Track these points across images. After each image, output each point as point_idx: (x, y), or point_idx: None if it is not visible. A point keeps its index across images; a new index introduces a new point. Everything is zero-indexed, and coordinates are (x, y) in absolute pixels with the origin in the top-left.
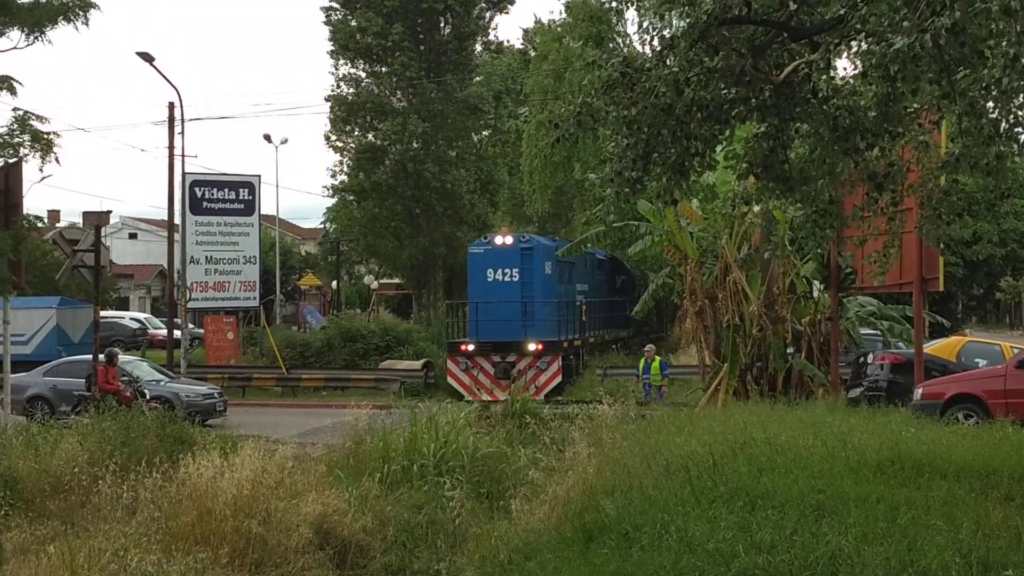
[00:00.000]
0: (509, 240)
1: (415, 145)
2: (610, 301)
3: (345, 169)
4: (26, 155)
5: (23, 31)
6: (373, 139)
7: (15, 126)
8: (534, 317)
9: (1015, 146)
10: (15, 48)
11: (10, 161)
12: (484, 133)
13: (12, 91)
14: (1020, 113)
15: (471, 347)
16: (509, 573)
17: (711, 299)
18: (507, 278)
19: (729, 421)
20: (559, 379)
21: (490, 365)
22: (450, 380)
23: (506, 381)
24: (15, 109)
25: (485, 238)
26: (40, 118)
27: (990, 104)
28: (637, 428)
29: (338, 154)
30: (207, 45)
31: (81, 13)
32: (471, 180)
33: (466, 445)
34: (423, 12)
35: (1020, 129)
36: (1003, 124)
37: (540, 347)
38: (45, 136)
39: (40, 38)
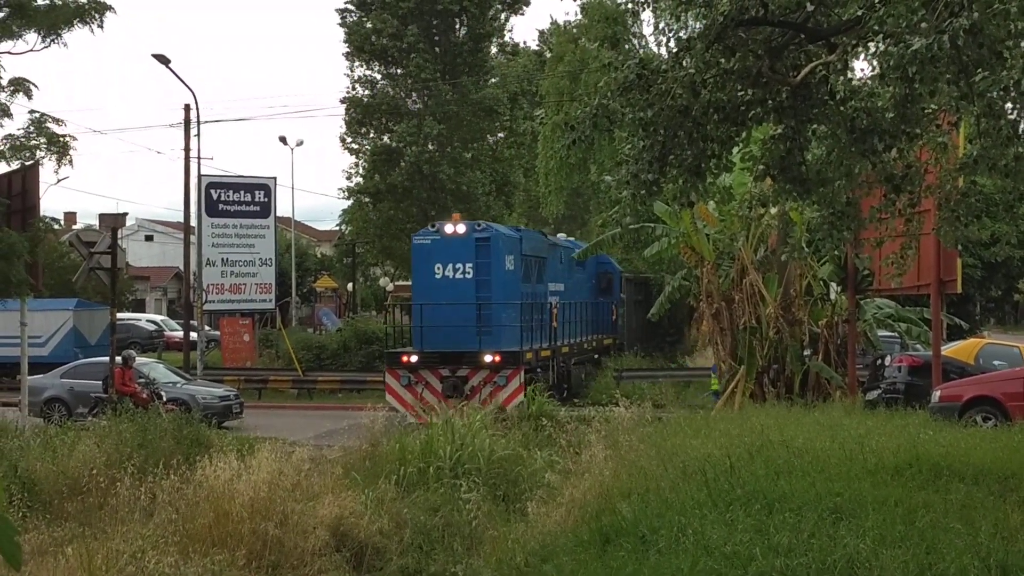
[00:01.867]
0: (462, 228)
1: (430, 147)
2: (594, 303)
3: (360, 171)
4: (42, 158)
5: (39, 34)
6: (388, 141)
7: (31, 129)
8: (491, 322)
9: None
10: (31, 51)
11: (27, 164)
12: (500, 135)
13: (28, 94)
14: None
15: (414, 358)
16: (527, 575)
17: (728, 301)
18: (459, 274)
19: (746, 424)
20: (521, 396)
21: (437, 380)
22: (388, 398)
23: (457, 399)
24: (31, 112)
25: (433, 226)
26: (56, 120)
27: (1009, 105)
28: (653, 431)
29: (353, 156)
30: (223, 48)
31: (96, 16)
32: (487, 182)
33: (482, 447)
34: (438, 14)
35: None
36: (1022, 125)
37: (498, 359)
38: (61, 139)
39: (56, 41)
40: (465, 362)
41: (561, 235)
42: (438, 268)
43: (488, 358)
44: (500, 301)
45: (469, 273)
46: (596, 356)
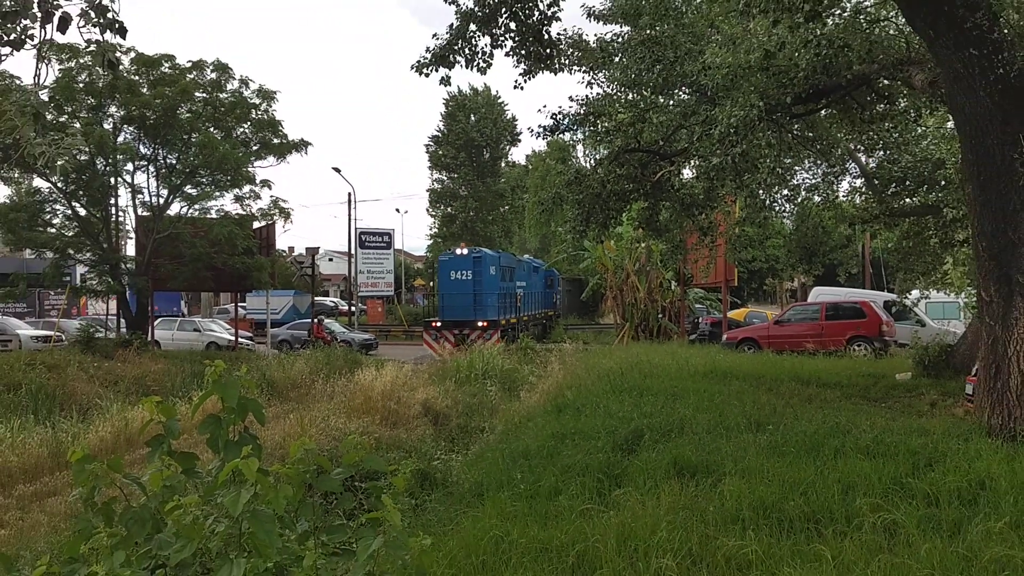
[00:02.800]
0: (465, 251)
1: (471, 214)
2: (544, 292)
3: (436, 225)
4: (276, 220)
5: (276, 157)
6: (451, 211)
7: (272, 206)
8: (482, 304)
9: (772, 212)
10: (271, 166)
11: (269, 223)
12: (506, 207)
13: (269, 187)
14: (776, 197)
15: (439, 324)
16: (520, 426)
17: (620, 290)
18: (464, 277)
19: (629, 352)
20: (500, 344)
21: (451, 336)
22: (425, 345)
23: (462, 346)
24: (271, 196)
25: (450, 251)
26: (284, 201)
27: (760, 192)
28: (583, 355)
29: (432, 218)
30: (367, 156)
31: (304, 147)
32: (499, 231)
33: (497, 364)
34: (475, 145)
35: (776, 205)
36: (767, 202)
37: (485, 324)
38: (286, 210)
39: (283, 160)
40: (467, 326)
41: (527, 256)
42: (452, 274)
43: (480, 324)
44: (486, 292)
45: (469, 276)
46: (544, 321)
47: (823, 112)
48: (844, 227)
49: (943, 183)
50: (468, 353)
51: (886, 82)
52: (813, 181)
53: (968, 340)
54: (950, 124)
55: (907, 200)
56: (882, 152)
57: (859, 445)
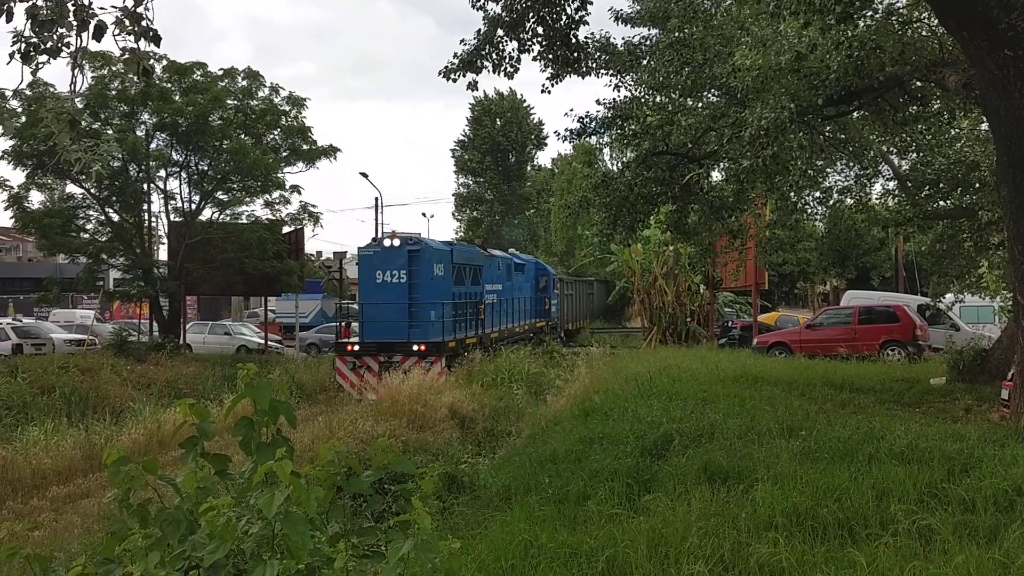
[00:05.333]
0: (397, 242)
1: (496, 218)
2: (533, 297)
3: (462, 230)
4: (306, 225)
5: (304, 163)
6: (476, 215)
7: (301, 211)
8: (420, 318)
9: (804, 215)
10: (300, 171)
11: (298, 228)
12: (531, 211)
13: (299, 192)
14: (807, 199)
15: (356, 347)
16: (547, 430)
17: (647, 294)
18: (395, 279)
19: (657, 356)
20: (444, 377)
21: (376, 364)
22: (338, 378)
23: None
24: (301, 202)
25: (375, 240)
26: (313, 206)
27: (792, 194)
28: (611, 359)
29: (458, 223)
30: (392, 161)
31: (332, 153)
32: (525, 235)
33: (523, 367)
34: (501, 150)
35: (807, 208)
36: (798, 204)
37: (423, 348)
38: (315, 214)
39: (313, 166)
40: (398, 350)
41: (511, 250)
42: (378, 274)
43: (416, 347)
44: (428, 301)
45: (403, 278)
46: (532, 335)
47: (855, 114)
48: (877, 230)
49: (977, 185)
50: (398, 384)
51: (919, 84)
52: (845, 183)
53: (1003, 344)
54: (984, 126)
55: (941, 203)
56: (915, 154)
57: (893, 451)
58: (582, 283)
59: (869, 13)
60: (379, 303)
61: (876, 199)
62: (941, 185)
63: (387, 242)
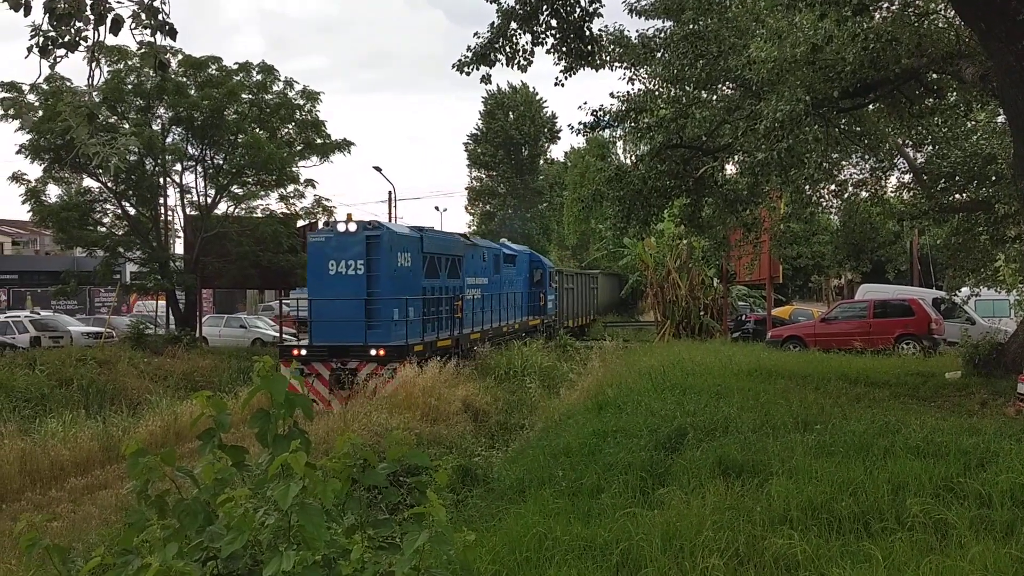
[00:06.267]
0: (353, 227)
1: (509, 211)
2: (526, 292)
3: (475, 223)
4: (320, 218)
5: (319, 157)
6: (490, 209)
7: (315, 204)
8: (380, 316)
9: (818, 208)
10: (314, 165)
11: (312, 221)
12: (544, 205)
13: (314, 186)
14: (822, 193)
15: (304, 351)
16: (561, 424)
17: (661, 287)
18: (351, 271)
19: (670, 350)
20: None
21: (328, 372)
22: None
23: (346, 391)
24: (315, 195)
25: (327, 225)
26: (327, 200)
27: (807, 187)
28: (624, 353)
29: (471, 216)
30: (405, 155)
31: (347, 147)
32: (538, 229)
33: (536, 361)
34: (514, 143)
35: (822, 201)
36: (813, 197)
37: (382, 352)
38: (329, 208)
39: (327, 160)
40: (354, 355)
41: (503, 240)
42: (332, 265)
43: (374, 351)
44: (390, 296)
45: (360, 269)
46: (524, 334)
47: (871, 106)
48: (892, 223)
49: (994, 178)
50: (356, 400)
51: (935, 76)
52: (860, 176)
53: (1020, 338)
54: (1001, 118)
55: (957, 196)
56: (931, 147)
57: (909, 445)
58: (585, 276)
59: (885, 5)
60: (331, 299)
61: (891, 192)
62: (957, 178)
63: (341, 226)
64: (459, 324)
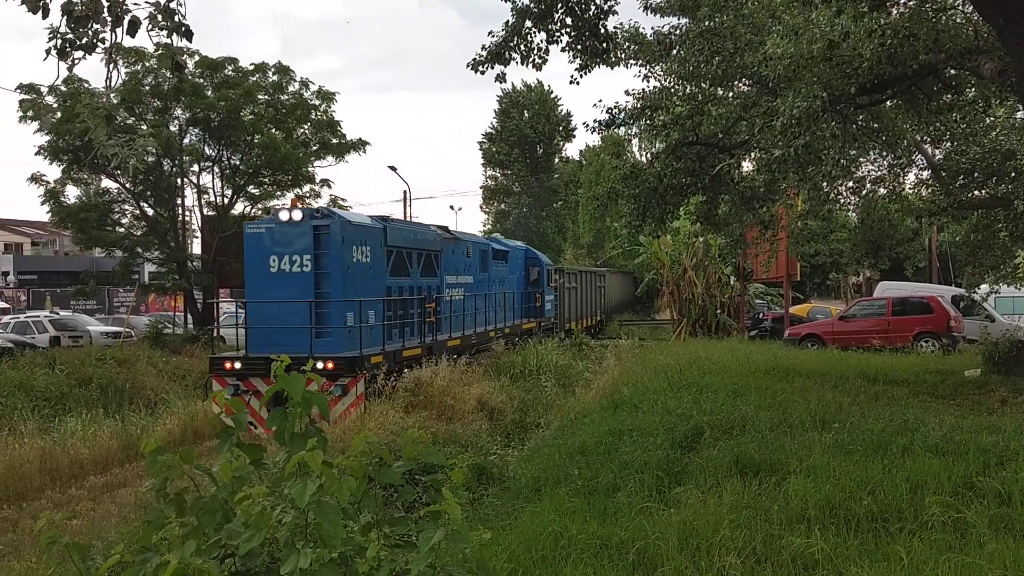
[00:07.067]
0: (298, 215)
1: (524, 210)
2: (521, 293)
3: (489, 223)
4: None
5: (335, 157)
6: (504, 208)
7: (331, 205)
8: (330, 321)
9: (836, 206)
10: (330, 165)
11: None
12: (559, 203)
13: (329, 186)
14: (840, 190)
15: (237, 364)
16: (576, 422)
17: (677, 285)
18: (295, 267)
19: (687, 348)
20: (361, 406)
21: (266, 388)
22: (214, 407)
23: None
24: (331, 195)
25: (269, 214)
26: (343, 200)
27: (824, 184)
28: (640, 351)
29: (486, 215)
30: (422, 154)
31: (362, 147)
32: (553, 227)
33: (552, 360)
34: (529, 142)
35: (840, 198)
36: (831, 194)
37: (330, 365)
38: (345, 208)
39: (342, 160)
40: (296, 368)
41: (496, 235)
42: (273, 261)
43: (323, 364)
44: (342, 298)
45: (307, 266)
46: (516, 339)
47: (888, 103)
48: (911, 220)
49: (1013, 174)
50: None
51: (953, 72)
52: (878, 173)
53: None
54: (1020, 114)
55: (976, 192)
56: (950, 143)
57: (928, 443)
58: (590, 275)
59: (902, 0)
60: (272, 301)
61: (910, 189)
62: (976, 174)
63: (284, 215)
64: (434, 329)
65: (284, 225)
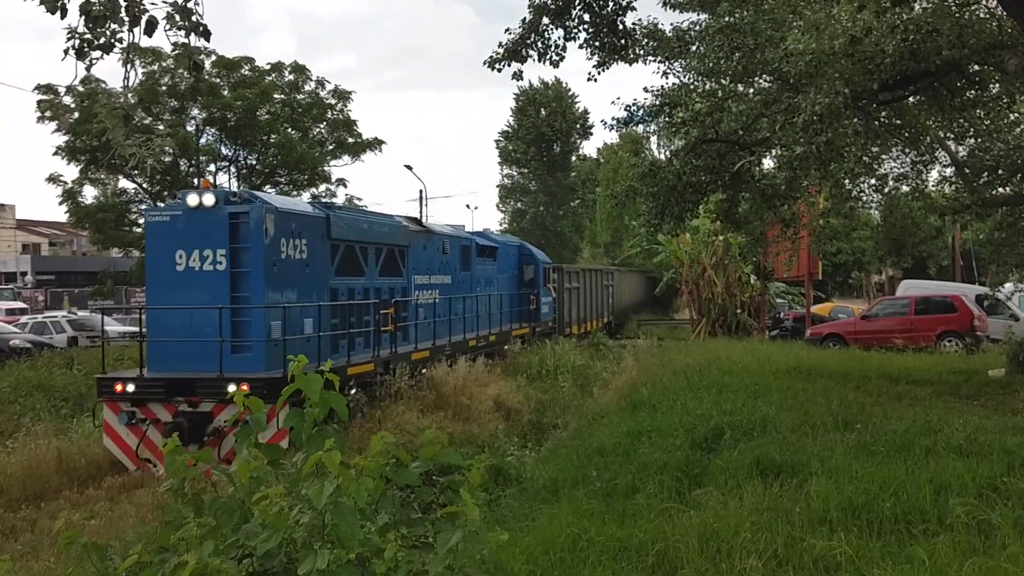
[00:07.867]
0: (210, 200)
1: (541, 209)
2: (512, 295)
3: (506, 221)
4: None
5: (351, 156)
6: (521, 207)
7: (348, 203)
8: (251, 332)
9: (858, 203)
10: (346, 164)
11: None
12: (576, 202)
13: (345, 185)
14: (862, 187)
15: (130, 387)
16: (594, 423)
17: (696, 285)
18: (207, 265)
19: (706, 348)
20: (284, 440)
21: (169, 415)
22: (106, 440)
23: (195, 445)
24: (347, 194)
25: (175, 198)
26: (358, 199)
27: (847, 182)
28: (658, 351)
29: (502, 214)
30: (441, 153)
31: (378, 146)
32: (570, 226)
33: (569, 359)
34: (546, 140)
35: (862, 196)
36: (853, 192)
37: (245, 388)
38: (359, 206)
39: (358, 159)
40: (205, 391)
41: (492, 231)
42: (180, 256)
43: (234, 385)
44: (265, 303)
45: (221, 263)
46: (504, 346)
47: (911, 99)
48: (934, 218)
49: None
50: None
51: (977, 67)
52: (901, 170)
53: None
54: None
55: (1000, 189)
56: (973, 140)
57: (951, 444)
58: (596, 273)
59: None
60: (177, 307)
61: (933, 186)
62: (1000, 171)
63: (192, 199)
64: (393, 340)
65: (193, 212)
